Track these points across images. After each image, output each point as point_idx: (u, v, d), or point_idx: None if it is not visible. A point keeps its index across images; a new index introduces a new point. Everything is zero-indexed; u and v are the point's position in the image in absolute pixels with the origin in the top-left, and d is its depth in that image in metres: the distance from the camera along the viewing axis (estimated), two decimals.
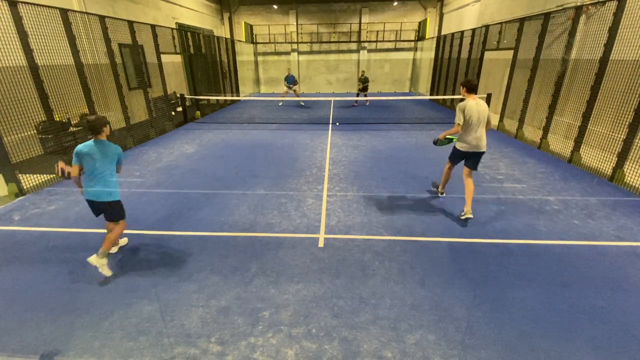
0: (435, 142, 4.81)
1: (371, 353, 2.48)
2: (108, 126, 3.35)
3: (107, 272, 3.30)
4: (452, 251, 3.76)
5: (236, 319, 2.81)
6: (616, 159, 5.64)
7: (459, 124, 4.30)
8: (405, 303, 2.98)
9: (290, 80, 14.84)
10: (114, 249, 3.77)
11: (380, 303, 2.98)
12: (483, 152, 4.43)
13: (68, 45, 6.47)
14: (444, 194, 5.19)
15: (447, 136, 4.65)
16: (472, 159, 4.51)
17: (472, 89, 4.33)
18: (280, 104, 15.73)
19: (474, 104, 4.23)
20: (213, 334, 2.66)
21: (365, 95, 14.72)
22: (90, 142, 3.24)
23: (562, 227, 4.25)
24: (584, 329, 2.68)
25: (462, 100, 4.41)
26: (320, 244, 3.94)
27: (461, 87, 4.42)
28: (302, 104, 15.65)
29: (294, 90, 15.06)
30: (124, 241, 3.92)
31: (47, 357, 2.47)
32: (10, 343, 2.59)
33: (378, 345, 2.55)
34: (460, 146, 4.48)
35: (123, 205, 3.50)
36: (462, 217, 4.42)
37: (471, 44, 12.14)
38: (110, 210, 3.40)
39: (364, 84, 14.49)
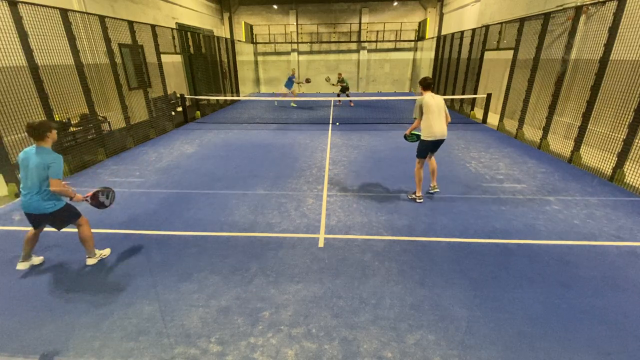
0: (406, 137, 5.26)
1: (371, 353, 2.48)
2: (54, 131, 3.18)
3: (102, 254, 3.68)
4: (452, 251, 3.76)
5: (236, 319, 2.81)
6: (616, 159, 5.64)
7: (416, 118, 4.84)
8: (405, 303, 2.98)
9: (290, 82, 14.74)
10: (93, 261, 3.59)
11: (380, 303, 2.98)
12: (444, 139, 4.89)
13: (68, 45, 6.47)
14: (422, 199, 5.03)
15: (413, 132, 5.10)
16: (436, 146, 4.98)
17: (427, 86, 4.79)
18: (276, 103, 15.72)
19: (430, 98, 4.73)
20: (213, 334, 2.66)
21: (348, 95, 14.73)
22: (32, 147, 3.10)
23: (562, 227, 4.25)
24: (584, 329, 2.68)
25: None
26: (320, 244, 3.94)
27: (419, 85, 4.87)
28: (294, 105, 15.48)
29: (292, 91, 15.01)
30: (107, 252, 3.74)
31: (47, 357, 2.47)
32: (11, 343, 2.59)
33: (378, 345, 2.55)
34: (427, 137, 4.81)
35: (71, 207, 3.35)
36: (432, 191, 5.24)
37: (471, 44, 12.14)
38: (56, 220, 3.28)
39: (342, 86, 14.43)
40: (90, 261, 3.59)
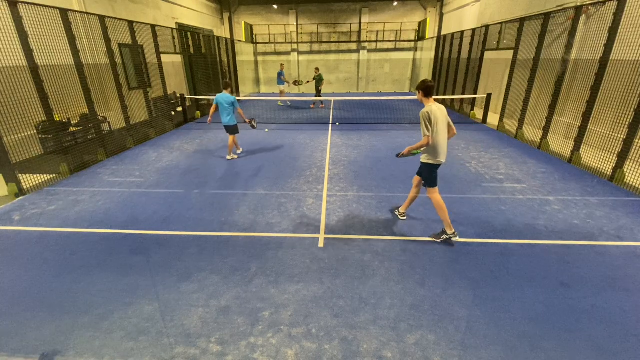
0: (398, 156, 4.06)
1: (371, 353, 2.48)
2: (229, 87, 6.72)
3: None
4: (452, 251, 3.76)
5: (236, 319, 2.81)
6: (616, 159, 5.64)
7: (427, 135, 3.63)
8: (405, 303, 2.98)
9: (280, 77, 14.47)
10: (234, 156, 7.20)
11: (380, 303, 2.98)
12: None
13: (68, 45, 6.46)
14: (457, 235, 3.92)
15: (413, 151, 3.88)
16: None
17: (429, 92, 3.68)
18: (280, 103, 15.68)
19: (436, 109, 3.64)
20: (213, 334, 2.66)
21: (319, 96, 13.81)
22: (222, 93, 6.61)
23: (562, 227, 4.25)
24: (584, 329, 2.68)
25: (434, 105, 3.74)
26: (320, 244, 3.94)
27: (417, 91, 3.74)
28: (280, 104, 15.20)
29: (281, 90, 14.73)
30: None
31: (47, 357, 2.47)
32: (11, 343, 2.59)
33: (378, 345, 2.55)
34: (433, 160, 3.80)
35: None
36: (400, 217, 4.27)
37: (471, 44, 12.14)
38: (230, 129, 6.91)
39: (317, 84, 13.67)
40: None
